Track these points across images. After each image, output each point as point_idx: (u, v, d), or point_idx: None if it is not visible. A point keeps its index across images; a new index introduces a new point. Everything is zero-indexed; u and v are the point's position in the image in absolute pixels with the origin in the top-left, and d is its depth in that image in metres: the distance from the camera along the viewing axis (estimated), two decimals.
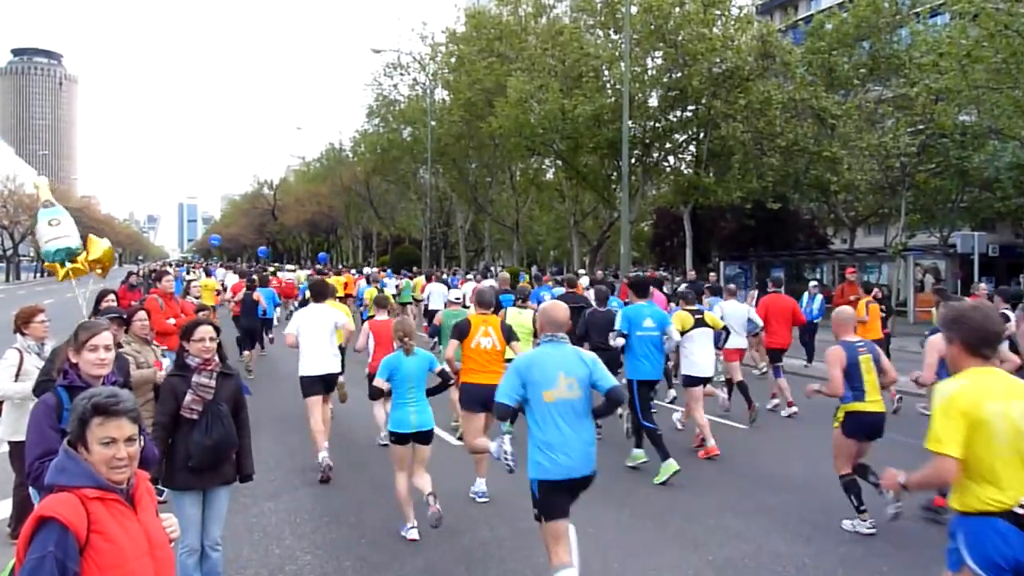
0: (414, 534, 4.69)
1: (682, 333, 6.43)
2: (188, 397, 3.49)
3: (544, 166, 32.19)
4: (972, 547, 2.35)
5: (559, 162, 26.52)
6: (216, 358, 3.58)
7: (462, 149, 30.52)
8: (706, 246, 26.57)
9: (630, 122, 18.25)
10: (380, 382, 4.89)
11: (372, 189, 41.65)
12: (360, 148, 43.54)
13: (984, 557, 2.34)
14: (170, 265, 47.23)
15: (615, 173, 24.25)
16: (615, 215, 26.20)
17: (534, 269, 49.05)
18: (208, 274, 21.59)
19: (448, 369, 4.63)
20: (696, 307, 6.10)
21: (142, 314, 4.83)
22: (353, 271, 24.76)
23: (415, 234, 42.94)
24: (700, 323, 6.33)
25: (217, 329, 3.63)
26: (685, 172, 22.35)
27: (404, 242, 46.59)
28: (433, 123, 30.50)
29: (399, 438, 4.86)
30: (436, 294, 12.88)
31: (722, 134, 19.21)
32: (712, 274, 17.31)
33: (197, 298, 8.06)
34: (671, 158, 23.30)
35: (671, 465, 5.58)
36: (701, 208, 23.09)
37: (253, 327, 10.94)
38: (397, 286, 15.17)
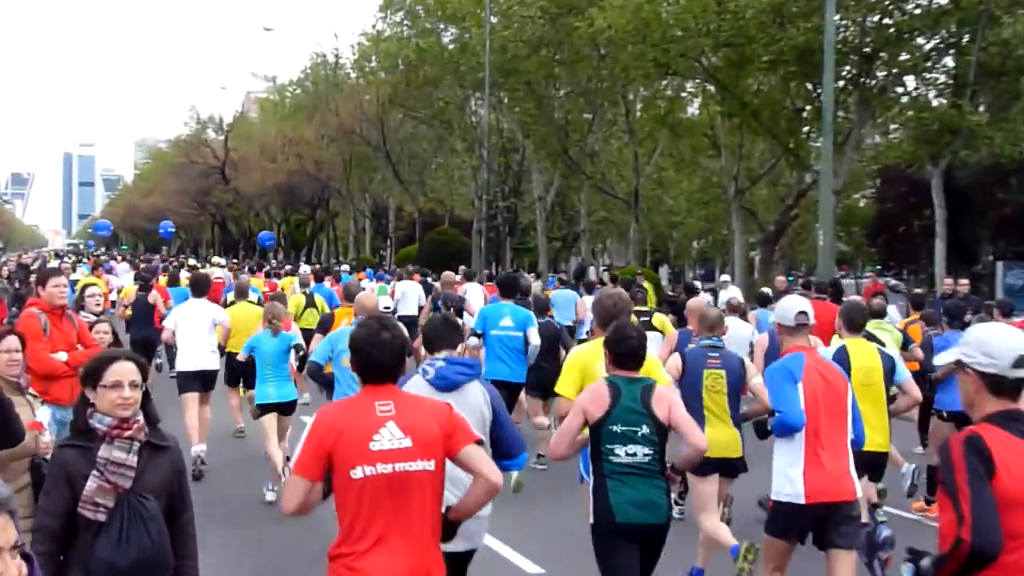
0: (271, 496, 8.97)
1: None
2: (92, 484, 3.37)
3: (685, 95, 32.77)
4: None
5: (710, 88, 26.32)
6: (140, 417, 3.54)
7: (542, 65, 30.98)
8: (970, 235, 23.36)
9: (836, 16, 16.19)
10: (243, 356, 9.46)
11: (390, 133, 43.64)
12: (370, 63, 46.68)
13: None
14: (58, 259, 50.85)
15: (808, 107, 23.55)
16: (807, 179, 25.89)
17: (663, 272, 50.01)
18: (95, 268, 23.91)
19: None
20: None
21: (11, 342, 4.88)
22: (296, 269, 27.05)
23: (461, 210, 44.24)
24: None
25: (143, 367, 3.62)
26: (935, 105, 20.61)
27: (442, 222, 48.55)
28: (494, 20, 30.75)
29: (263, 409, 9.25)
30: (410, 295, 17.50)
31: (1003, 37, 18.34)
32: (963, 282, 15.09)
33: (99, 314, 8.78)
34: (910, 80, 21.44)
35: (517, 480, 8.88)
36: (962, 169, 21.68)
37: (149, 339, 13.70)
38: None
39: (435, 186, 45.67)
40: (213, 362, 10.55)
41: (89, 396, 3.57)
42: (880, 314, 9.82)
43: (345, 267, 26.88)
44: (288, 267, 30.82)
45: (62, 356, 6.95)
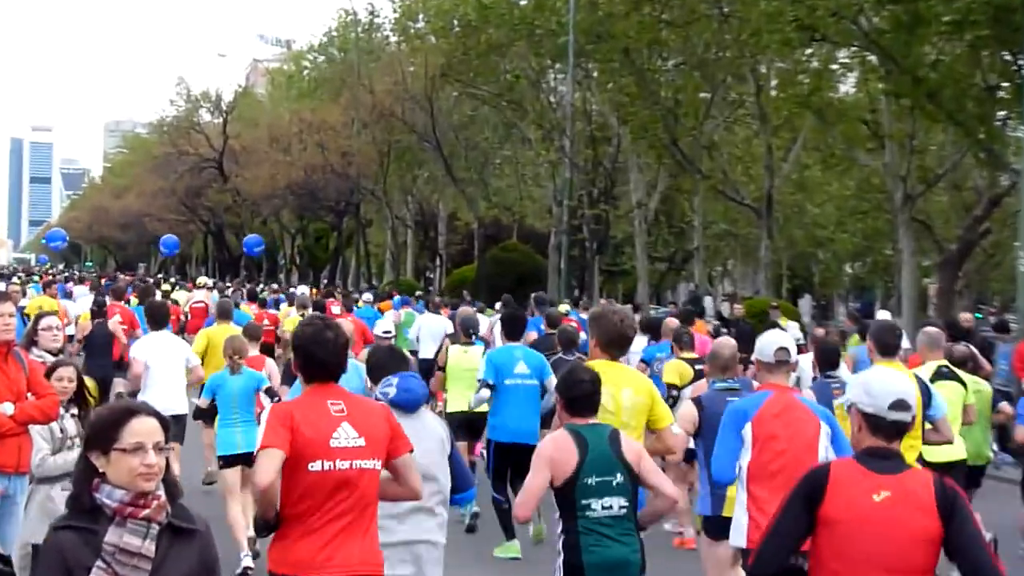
0: (249, 562, 9.78)
1: (679, 388, 11.02)
2: None
3: (836, 68, 32.53)
4: None
5: (871, 59, 27.42)
6: (161, 492, 3.71)
7: (645, 28, 31.97)
8: None
9: None
10: (203, 401, 10.83)
11: (441, 116, 45.04)
12: (416, 24, 48.44)
13: None
14: (2, 280, 52.88)
15: (1006, 83, 24.72)
16: (1004, 182, 27.36)
17: (805, 304, 49.26)
18: (47, 289, 26.06)
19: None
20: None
21: None
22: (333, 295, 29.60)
23: (535, 220, 46.19)
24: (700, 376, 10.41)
25: (166, 425, 3.82)
26: None
27: (509, 235, 49.72)
28: None
29: (227, 461, 10.41)
30: (431, 332, 19.65)
31: None
32: (966, 315, 17.85)
33: (58, 353, 9.38)
34: None
35: (513, 547, 10.76)
36: None
37: (107, 379, 14.92)
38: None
39: (500, 187, 47.35)
40: (183, 405, 11.82)
41: (96, 463, 3.69)
42: None
43: (367, 296, 28.26)
44: (298, 291, 32.09)
45: (7, 408, 7.29)
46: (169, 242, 66.04)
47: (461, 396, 12.45)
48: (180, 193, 69.15)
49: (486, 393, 11.17)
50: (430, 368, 16.25)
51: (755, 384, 7.70)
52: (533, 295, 28.97)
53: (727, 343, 8.71)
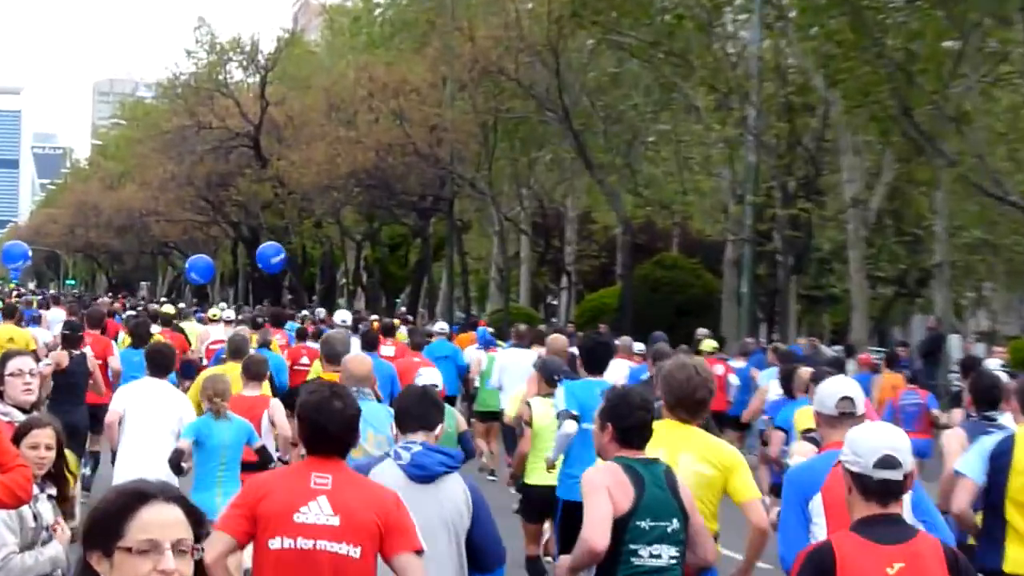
0: None
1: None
2: None
3: None
4: None
5: None
6: None
7: None
8: None
9: None
10: (184, 443, 12.09)
11: (570, 74, 46.30)
12: None
13: None
14: None
15: None
16: None
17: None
18: (9, 316, 26.74)
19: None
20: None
21: None
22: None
23: (704, 224, 46.25)
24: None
25: (196, 517, 3.88)
26: None
27: (667, 245, 49.14)
28: None
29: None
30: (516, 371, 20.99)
31: None
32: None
33: (31, 408, 9.60)
34: None
35: None
36: None
37: (75, 427, 15.92)
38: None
39: (654, 176, 47.33)
40: (163, 474, 12.52)
41: (97, 567, 3.82)
42: None
43: (439, 326, 30.46)
44: (346, 318, 32.94)
45: None
46: (200, 266, 59.37)
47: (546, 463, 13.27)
48: (200, 183, 70.46)
49: (572, 427, 12.09)
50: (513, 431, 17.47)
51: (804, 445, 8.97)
52: (700, 332, 28.77)
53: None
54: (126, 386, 14.15)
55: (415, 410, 7.67)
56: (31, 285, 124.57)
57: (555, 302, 58.79)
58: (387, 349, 23.05)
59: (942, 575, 5.39)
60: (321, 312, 43.82)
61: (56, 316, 34.36)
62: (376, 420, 11.06)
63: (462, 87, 50.23)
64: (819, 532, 7.49)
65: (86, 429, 17.06)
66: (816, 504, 7.54)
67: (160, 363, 13.45)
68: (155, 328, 26.31)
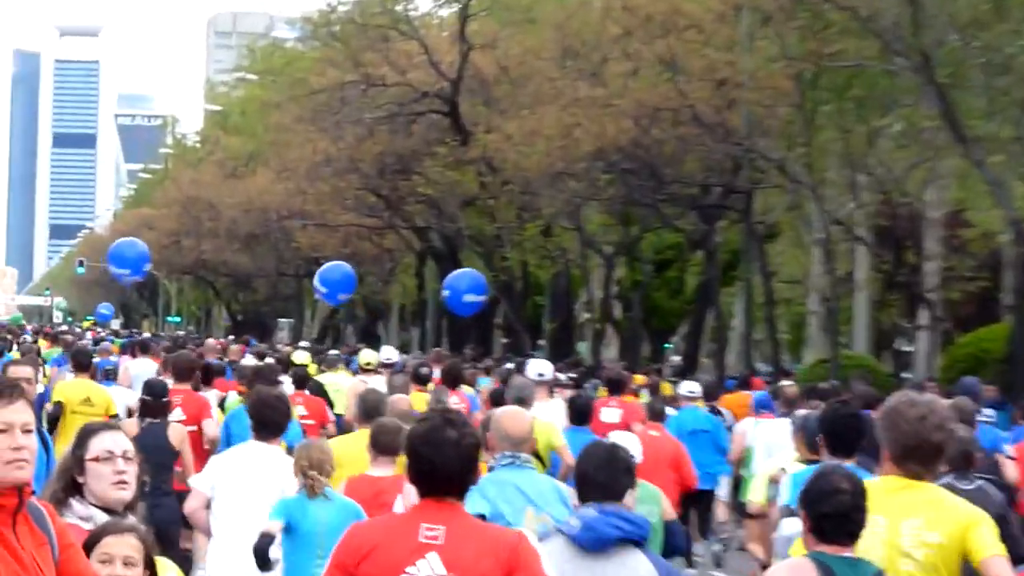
0: None
1: None
2: None
3: None
4: None
5: None
6: None
7: None
8: None
9: None
10: (273, 525, 13.29)
11: None
12: None
13: None
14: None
15: None
16: None
17: None
18: (80, 368, 27.69)
19: None
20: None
21: None
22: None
23: None
24: None
25: None
26: None
27: None
28: None
29: None
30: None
31: None
32: None
33: (125, 510, 10.07)
34: None
35: None
36: None
37: (162, 522, 16.68)
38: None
39: None
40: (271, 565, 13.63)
41: None
42: None
43: (690, 387, 31.88)
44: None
45: None
46: (336, 277, 62.12)
47: None
48: (368, 168, 72.00)
49: (792, 525, 12.84)
50: None
51: None
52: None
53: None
54: (219, 456, 15.21)
55: (599, 476, 8.54)
56: (115, 325, 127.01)
57: (909, 348, 58.34)
58: (610, 413, 24.35)
59: None
60: (542, 367, 37.78)
61: (143, 369, 34.74)
62: (538, 495, 11.75)
63: (765, 20, 50.55)
64: None
65: (178, 527, 17.60)
66: None
67: (267, 420, 14.44)
68: (287, 384, 26.73)
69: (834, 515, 7.94)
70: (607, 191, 58.84)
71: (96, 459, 9.44)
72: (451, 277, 60.32)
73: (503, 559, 7.22)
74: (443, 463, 7.34)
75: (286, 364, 34.75)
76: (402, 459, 14.99)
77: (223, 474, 14.06)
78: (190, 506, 14.32)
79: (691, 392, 30.06)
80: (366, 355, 35.98)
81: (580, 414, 22.56)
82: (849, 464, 13.19)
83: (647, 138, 53.84)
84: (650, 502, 15.17)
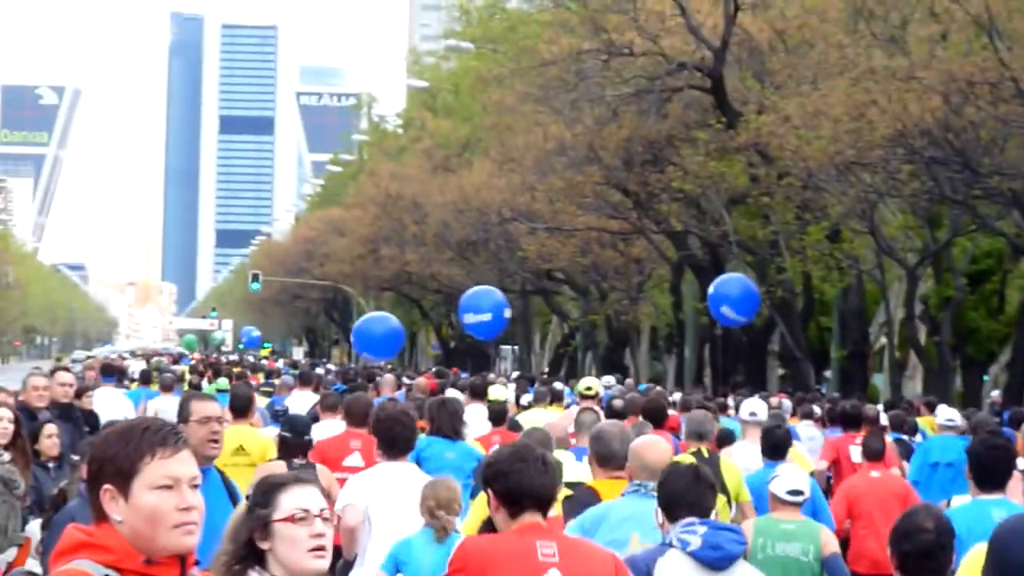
0: None
1: None
2: None
3: None
4: None
5: None
6: None
7: None
8: None
9: None
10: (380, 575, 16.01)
11: None
12: None
13: None
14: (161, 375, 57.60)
15: None
16: None
17: None
18: (247, 412, 28.85)
19: None
20: None
21: None
22: None
23: None
24: None
25: None
26: None
27: None
28: None
29: None
30: None
31: None
32: None
33: None
34: None
35: None
36: None
37: None
38: None
39: None
40: None
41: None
42: None
43: (950, 416, 33.02)
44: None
45: None
46: (478, 304, 64.87)
47: None
48: (612, 158, 72.76)
49: None
50: None
51: None
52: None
53: None
54: (358, 477, 16.64)
55: (688, 495, 11.33)
56: (298, 354, 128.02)
57: None
58: (857, 451, 25.76)
59: None
60: (756, 407, 35.96)
61: (301, 402, 36.06)
62: (647, 523, 13.45)
63: None
64: None
65: None
66: None
67: (396, 436, 16.07)
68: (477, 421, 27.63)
69: (914, 554, 9.48)
70: (909, 185, 59.04)
71: (288, 519, 9.35)
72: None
73: (610, 572, 9.82)
74: (535, 482, 10.12)
75: (479, 390, 35.38)
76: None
77: (366, 492, 15.60)
78: (355, 519, 15.56)
79: (949, 421, 31.31)
80: (586, 381, 36.58)
81: (775, 448, 25.51)
82: (998, 497, 14.93)
83: (958, 119, 53.89)
84: (805, 539, 17.75)
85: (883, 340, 76.72)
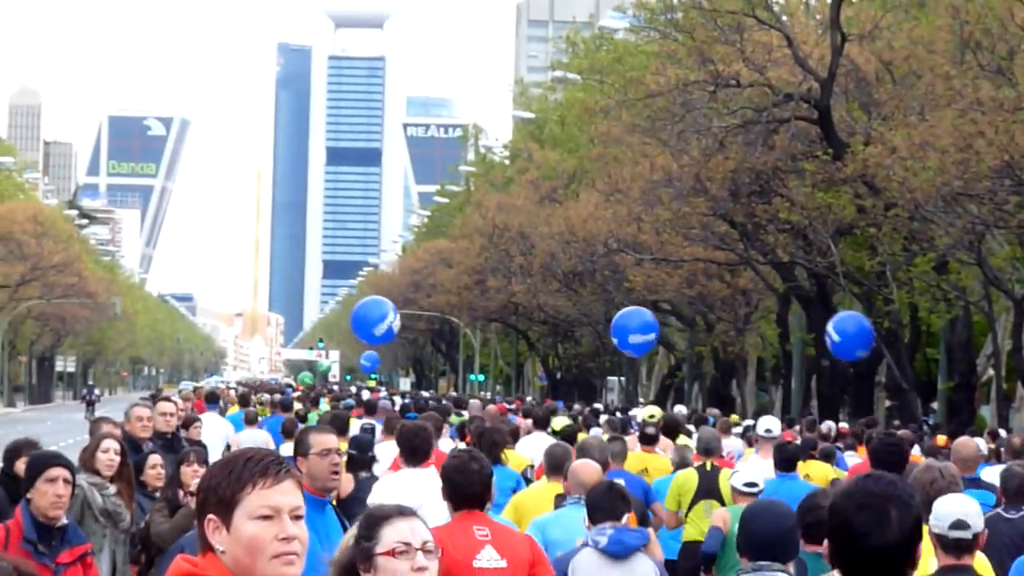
0: None
1: None
2: None
3: None
4: None
5: None
6: None
7: None
8: None
9: None
10: None
11: None
12: None
13: None
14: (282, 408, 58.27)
15: None
16: None
17: None
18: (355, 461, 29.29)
19: None
20: None
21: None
22: None
23: None
24: None
25: None
26: None
27: None
28: None
29: None
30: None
31: None
32: None
33: None
34: None
35: None
36: None
37: None
38: None
39: None
40: None
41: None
42: None
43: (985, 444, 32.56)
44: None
45: None
46: (628, 336, 64.16)
47: None
48: (719, 189, 73.07)
49: None
50: None
51: None
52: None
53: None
54: (384, 480, 18.76)
55: (603, 503, 15.92)
56: (405, 385, 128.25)
57: None
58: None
59: None
60: (770, 424, 35.89)
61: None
62: (580, 527, 17.74)
63: None
64: None
65: None
66: None
67: (416, 447, 18.10)
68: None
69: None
70: (1016, 216, 58.99)
71: (390, 553, 9.31)
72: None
73: (528, 552, 14.41)
74: (470, 486, 15.01)
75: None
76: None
77: (395, 494, 16.86)
78: None
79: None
80: (650, 410, 37.33)
81: (787, 461, 28.02)
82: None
83: None
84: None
85: (990, 371, 76.78)
